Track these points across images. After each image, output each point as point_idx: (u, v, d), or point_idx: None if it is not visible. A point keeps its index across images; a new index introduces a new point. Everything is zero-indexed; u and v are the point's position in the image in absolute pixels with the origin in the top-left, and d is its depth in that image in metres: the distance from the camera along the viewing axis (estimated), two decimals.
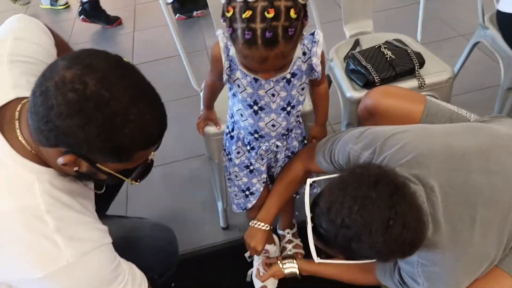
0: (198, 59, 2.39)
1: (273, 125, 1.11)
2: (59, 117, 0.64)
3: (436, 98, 1.37)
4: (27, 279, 0.76)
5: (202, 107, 1.29)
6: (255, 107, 1.07)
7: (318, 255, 0.89)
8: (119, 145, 0.68)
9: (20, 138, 0.72)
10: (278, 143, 1.16)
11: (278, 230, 1.49)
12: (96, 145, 0.67)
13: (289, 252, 1.43)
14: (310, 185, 0.96)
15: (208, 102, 1.22)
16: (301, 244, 1.46)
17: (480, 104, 1.84)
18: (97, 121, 0.64)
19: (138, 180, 0.82)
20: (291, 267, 1.27)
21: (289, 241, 1.45)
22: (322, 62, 1.04)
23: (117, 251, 0.85)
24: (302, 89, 1.07)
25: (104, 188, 0.95)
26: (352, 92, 1.35)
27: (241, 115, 1.11)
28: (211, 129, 1.30)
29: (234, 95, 1.10)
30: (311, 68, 1.04)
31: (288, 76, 1.02)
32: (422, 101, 1.15)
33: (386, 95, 1.18)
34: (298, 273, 1.26)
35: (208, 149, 1.38)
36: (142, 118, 0.67)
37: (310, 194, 0.93)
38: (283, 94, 1.05)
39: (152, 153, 0.78)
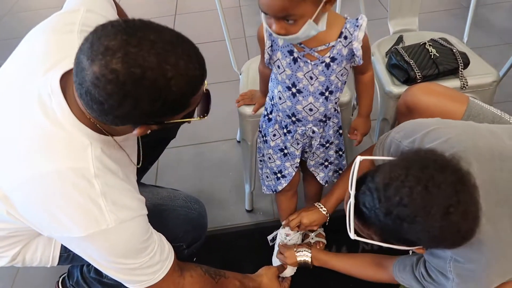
0: (237, 46, 2.41)
1: (311, 109, 1.11)
2: (113, 109, 0.68)
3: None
4: (68, 236, 0.81)
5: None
6: (293, 89, 1.08)
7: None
8: (173, 101, 0.70)
9: (79, 103, 0.76)
10: (315, 129, 1.16)
11: None
12: (155, 113, 0.70)
13: (311, 240, 1.44)
14: None
15: (262, 86, 1.24)
16: (323, 233, 1.47)
17: None
18: (143, 96, 0.67)
19: (205, 114, 0.84)
20: (304, 255, 1.28)
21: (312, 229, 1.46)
22: (367, 49, 1.03)
23: (150, 218, 0.89)
24: (342, 75, 1.07)
25: (141, 163, 0.99)
26: (392, 87, 1.34)
27: (280, 98, 1.12)
28: (248, 110, 1.31)
29: (274, 77, 1.11)
30: (351, 53, 1.03)
31: (327, 60, 1.02)
32: (465, 101, 1.13)
33: (428, 92, 1.17)
34: (310, 262, 1.27)
35: (242, 130, 1.40)
36: (179, 69, 0.67)
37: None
38: (321, 78, 1.05)
39: (205, 82, 0.78)
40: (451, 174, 0.74)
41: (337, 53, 1.02)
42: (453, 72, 1.32)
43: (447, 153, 0.82)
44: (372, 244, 1.40)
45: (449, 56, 1.32)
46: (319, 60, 1.02)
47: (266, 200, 1.65)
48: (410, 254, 1.12)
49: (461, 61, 1.30)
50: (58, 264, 1.06)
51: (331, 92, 1.09)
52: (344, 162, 1.34)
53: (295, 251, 1.30)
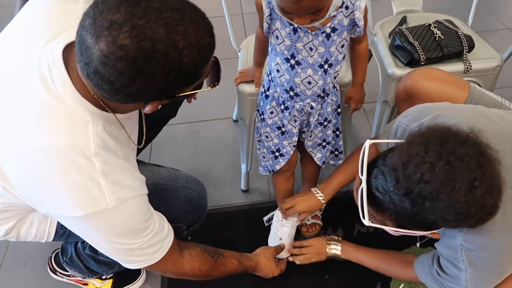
0: (234, 23, 2.35)
1: (309, 82, 1.09)
2: (125, 87, 0.65)
3: (479, 85, 1.34)
4: (65, 216, 0.78)
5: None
6: (292, 61, 1.05)
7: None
8: (187, 73, 0.67)
9: (82, 79, 0.72)
10: (313, 104, 1.14)
11: None
12: (169, 87, 0.68)
13: (307, 222, 1.44)
14: None
15: (257, 57, 1.20)
16: (319, 215, 1.46)
17: None
18: (156, 71, 0.64)
19: (216, 83, 0.81)
20: (335, 249, 1.28)
21: None
22: (365, 18, 1.01)
23: (150, 197, 0.86)
24: (342, 46, 1.05)
25: (143, 143, 0.97)
26: (394, 69, 1.32)
27: (278, 71, 1.10)
28: (247, 87, 1.28)
29: (272, 49, 1.08)
30: (353, 24, 1.01)
31: (328, 30, 1.00)
32: (466, 87, 1.11)
33: (429, 77, 1.14)
34: (340, 255, 1.27)
35: (240, 108, 1.37)
36: (190, 38, 0.64)
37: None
38: (321, 49, 1.03)
39: None
40: (472, 147, 0.71)
41: (338, 23, 1.00)
42: (457, 55, 1.30)
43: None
44: (368, 226, 1.42)
45: (454, 39, 1.30)
46: (320, 30, 0.99)
47: (262, 180, 1.64)
48: (417, 246, 1.12)
49: (466, 44, 1.28)
50: (54, 240, 1.03)
51: (330, 65, 1.07)
52: (340, 143, 1.33)
53: (327, 243, 1.28)
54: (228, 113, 1.89)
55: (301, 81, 1.08)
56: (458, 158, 0.69)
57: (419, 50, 1.27)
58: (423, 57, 1.27)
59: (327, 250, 1.27)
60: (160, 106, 0.74)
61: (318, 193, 1.28)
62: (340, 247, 1.27)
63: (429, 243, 1.37)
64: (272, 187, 1.61)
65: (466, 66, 1.29)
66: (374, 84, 1.59)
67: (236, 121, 1.86)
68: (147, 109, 0.73)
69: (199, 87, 0.78)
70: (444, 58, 1.29)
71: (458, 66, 1.30)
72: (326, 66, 1.06)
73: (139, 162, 0.94)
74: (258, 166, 1.43)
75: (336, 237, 1.32)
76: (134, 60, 0.62)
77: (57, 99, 0.72)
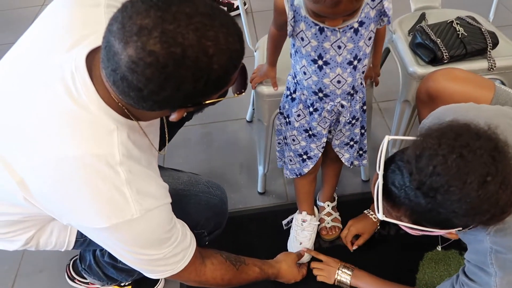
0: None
1: (339, 81, 1.06)
2: (153, 94, 0.62)
3: (503, 84, 1.31)
4: (89, 227, 0.76)
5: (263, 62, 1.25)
6: (320, 62, 1.02)
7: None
8: (216, 80, 0.65)
9: (107, 86, 0.70)
10: (344, 103, 1.11)
11: (318, 201, 1.46)
12: (197, 93, 0.66)
13: (326, 225, 1.41)
14: None
15: (271, 56, 1.17)
16: (339, 218, 1.44)
17: None
18: (186, 77, 0.61)
19: (243, 90, 0.79)
20: (344, 278, 1.25)
21: (328, 214, 1.43)
22: None
23: (171, 204, 0.84)
24: (369, 39, 1.02)
25: (165, 150, 0.95)
26: (416, 67, 1.29)
27: (304, 73, 1.06)
28: (265, 89, 1.25)
29: (296, 51, 1.05)
30: (379, 14, 0.98)
31: (356, 25, 0.97)
32: (492, 87, 1.07)
33: (453, 78, 1.11)
34: (348, 284, 1.24)
35: (258, 110, 1.34)
36: (220, 44, 0.62)
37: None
38: (350, 46, 1.00)
39: None
40: (487, 141, 0.69)
41: (365, 17, 0.97)
42: (481, 53, 1.27)
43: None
44: (389, 229, 1.39)
45: (477, 36, 1.26)
46: (348, 26, 0.96)
47: (279, 182, 1.61)
48: (439, 249, 1.09)
49: (490, 41, 1.25)
50: (73, 248, 1.02)
51: (359, 60, 1.04)
52: (365, 142, 1.30)
53: (339, 270, 1.26)
54: (242, 114, 1.86)
55: (330, 81, 1.05)
56: (471, 151, 0.67)
57: (442, 47, 1.24)
58: (446, 55, 1.23)
59: (336, 276, 1.25)
60: (185, 114, 0.72)
61: (370, 213, 1.31)
62: (350, 276, 1.24)
63: (452, 246, 1.35)
64: (289, 189, 1.58)
65: (490, 64, 1.25)
66: (391, 82, 1.56)
67: (249, 121, 1.84)
68: (173, 116, 0.71)
69: (225, 94, 0.75)
70: (468, 56, 1.26)
71: (481, 64, 1.26)
72: (355, 62, 1.03)
73: (160, 167, 0.92)
74: (276, 169, 1.41)
75: (351, 265, 1.28)
76: (163, 66, 0.59)
77: (81, 107, 0.70)
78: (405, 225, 0.78)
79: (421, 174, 0.69)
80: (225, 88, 0.71)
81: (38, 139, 0.71)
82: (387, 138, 0.81)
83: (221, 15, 0.64)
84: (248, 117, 1.83)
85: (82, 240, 0.99)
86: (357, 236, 1.36)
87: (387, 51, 1.49)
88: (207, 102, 0.70)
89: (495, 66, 1.25)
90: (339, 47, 0.99)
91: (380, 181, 0.76)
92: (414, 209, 0.73)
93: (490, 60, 1.26)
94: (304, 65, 1.05)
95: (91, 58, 0.71)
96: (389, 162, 0.78)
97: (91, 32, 0.74)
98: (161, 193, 0.80)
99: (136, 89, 0.62)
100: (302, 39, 1.00)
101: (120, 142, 0.72)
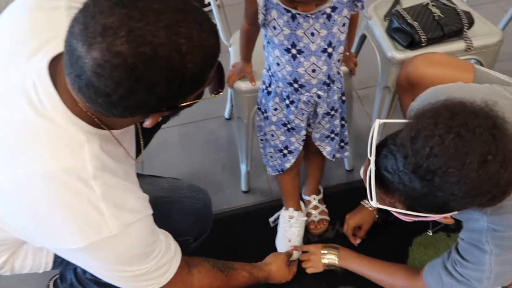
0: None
1: (314, 71, 1.02)
2: (123, 99, 0.57)
3: (482, 64, 1.30)
4: (64, 248, 0.71)
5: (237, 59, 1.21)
6: (293, 51, 0.99)
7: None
8: (191, 80, 0.60)
9: (73, 94, 0.64)
10: (320, 93, 1.08)
11: (303, 195, 1.43)
12: (172, 95, 0.61)
13: (314, 219, 1.38)
14: None
15: (245, 51, 1.12)
16: (326, 210, 1.41)
17: None
18: (158, 78, 0.57)
19: (220, 90, 0.75)
20: (331, 258, 1.22)
21: (315, 207, 1.40)
22: None
23: (153, 213, 0.79)
24: (344, 25, 0.99)
25: (142, 158, 0.90)
26: (394, 52, 1.26)
27: (278, 64, 1.03)
28: (243, 85, 1.21)
29: (269, 42, 1.01)
30: (352, 0, 0.96)
31: (328, 10, 0.94)
32: (471, 69, 1.06)
33: (432, 62, 1.10)
34: (337, 263, 1.21)
35: (237, 107, 1.30)
36: (194, 41, 0.57)
37: None
38: (323, 32, 0.97)
39: None
40: (485, 119, 0.66)
41: (338, 1, 0.95)
42: (457, 34, 1.26)
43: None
44: (376, 216, 1.37)
45: (453, 16, 1.25)
46: (320, 12, 0.93)
47: (262, 179, 1.57)
48: (430, 233, 1.07)
49: (466, 21, 1.24)
50: (53, 269, 0.95)
51: (334, 48, 1.01)
52: (346, 133, 1.28)
53: (322, 253, 1.23)
54: (219, 112, 1.81)
55: (305, 70, 1.02)
56: (470, 130, 0.65)
57: (420, 31, 1.22)
58: (424, 38, 1.22)
59: (322, 260, 1.22)
60: (160, 119, 0.67)
61: (366, 203, 1.28)
62: (336, 255, 1.21)
63: (442, 229, 1.35)
64: (273, 185, 1.54)
65: (467, 44, 1.24)
66: (368, 69, 1.54)
67: (228, 119, 1.79)
68: (147, 123, 0.66)
69: (201, 95, 0.71)
70: (445, 38, 1.24)
71: (459, 45, 1.25)
72: (330, 50, 1.00)
73: (137, 175, 0.86)
74: (258, 166, 1.37)
75: (334, 245, 1.25)
76: (132, 68, 0.54)
77: (46, 120, 0.64)
78: (399, 211, 0.76)
79: (417, 157, 0.66)
80: (201, 88, 0.66)
81: (1, 159, 0.65)
82: (377, 121, 0.78)
83: (194, 11, 0.59)
84: (226, 115, 1.78)
85: (60, 260, 0.93)
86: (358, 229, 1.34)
87: (363, 37, 1.47)
88: (182, 104, 0.65)
89: (472, 46, 1.25)
90: (313, 34, 0.96)
91: (372, 167, 0.73)
92: (408, 194, 0.70)
93: (467, 40, 1.25)
94: (277, 56, 1.02)
95: (55, 65, 0.65)
96: (380, 147, 0.75)
97: (52, 37, 0.68)
98: (141, 205, 0.75)
99: (104, 94, 0.57)
100: (274, 27, 0.96)
101: (92, 154, 0.67)
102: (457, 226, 1.35)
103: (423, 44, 1.22)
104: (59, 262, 0.93)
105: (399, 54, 1.25)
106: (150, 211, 0.77)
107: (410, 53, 1.23)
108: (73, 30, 0.56)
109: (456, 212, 0.74)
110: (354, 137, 1.52)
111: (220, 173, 1.61)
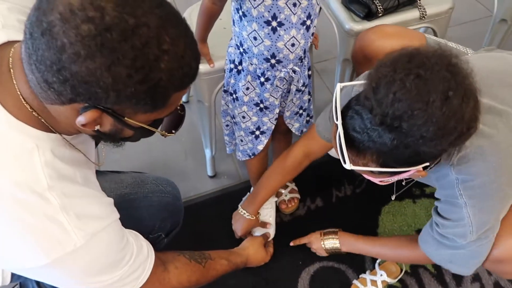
0: None
1: (293, 45, 0.99)
2: (75, 59, 0.49)
3: (435, 31, 1.33)
4: (24, 268, 0.64)
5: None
6: (274, 23, 0.94)
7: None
8: (156, 84, 0.53)
9: (17, 94, 0.57)
10: (296, 68, 1.05)
11: None
12: (128, 90, 0.52)
13: (284, 198, 1.38)
14: None
15: (203, 32, 1.06)
16: (296, 188, 1.41)
17: (472, 37, 1.81)
18: (126, 56, 0.50)
19: (173, 131, 0.69)
20: (332, 243, 1.21)
21: (284, 186, 1.39)
22: None
23: (119, 213, 0.73)
24: None
25: (104, 160, 0.83)
26: (352, 24, 1.25)
27: (255, 38, 0.98)
28: (201, 67, 1.15)
29: (244, 15, 0.96)
30: None
31: None
32: (422, 39, 1.09)
33: (385, 35, 1.11)
34: (339, 248, 1.21)
35: (197, 90, 1.24)
36: (177, 47, 0.53)
37: None
38: (304, 3, 0.94)
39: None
40: (441, 57, 0.68)
41: None
42: (411, 2, 1.27)
43: None
44: (344, 189, 1.38)
45: None
46: None
47: (229, 161, 1.54)
48: (393, 198, 1.09)
49: None
50: (11, 282, 0.87)
51: (312, 20, 0.99)
52: (311, 107, 1.27)
53: (321, 240, 1.22)
54: None
55: (285, 44, 0.98)
56: (428, 69, 0.65)
57: (376, 1, 1.21)
58: (380, 8, 1.21)
59: (323, 246, 1.22)
60: (97, 127, 0.58)
61: (243, 212, 1.27)
62: (338, 240, 1.21)
63: (405, 196, 1.39)
64: (240, 167, 1.52)
65: (421, 12, 1.26)
66: (325, 42, 1.52)
67: (186, 102, 1.72)
68: (81, 118, 0.56)
69: (155, 124, 0.63)
70: (400, 7, 1.25)
71: (413, 14, 1.26)
72: (308, 22, 0.97)
73: (96, 173, 0.80)
74: (223, 148, 1.33)
75: (332, 230, 1.24)
76: (106, 29, 0.48)
77: None
78: (373, 171, 0.75)
79: (381, 106, 0.66)
80: (157, 109, 0.58)
81: None
82: (339, 85, 0.77)
83: (188, 28, 0.57)
84: (184, 98, 1.71)
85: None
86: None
87: (319, 9, 1.44)
88: (129, 119, 0.57)
89: (425, 14, 1.26)
90: (294, 4, 0.93)
91: (340, 130, 0.72)
92: (380, 150, 0.70)
93: (420, 8, 1.26)
94: (254, 29, 0.97)
95: None
96: (345, 109, 0.75)
97: None
98: (106, 210, 0.69)
99: (56, 46, 0.49)
100: None
101: (44, 162, 0.59)
102: (421, 192, 1.43)
103: (380, 15, 1.22)
104: (17, 275, 0.86)
105: (357, 26, 1.25)
106: (116, 215, 0.72)
107: (367, 24, 1.23)
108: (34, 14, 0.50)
109: (427, 164, 0.74)
110: (316, 111, 1.51)
111: (183, 160, 1.56)
